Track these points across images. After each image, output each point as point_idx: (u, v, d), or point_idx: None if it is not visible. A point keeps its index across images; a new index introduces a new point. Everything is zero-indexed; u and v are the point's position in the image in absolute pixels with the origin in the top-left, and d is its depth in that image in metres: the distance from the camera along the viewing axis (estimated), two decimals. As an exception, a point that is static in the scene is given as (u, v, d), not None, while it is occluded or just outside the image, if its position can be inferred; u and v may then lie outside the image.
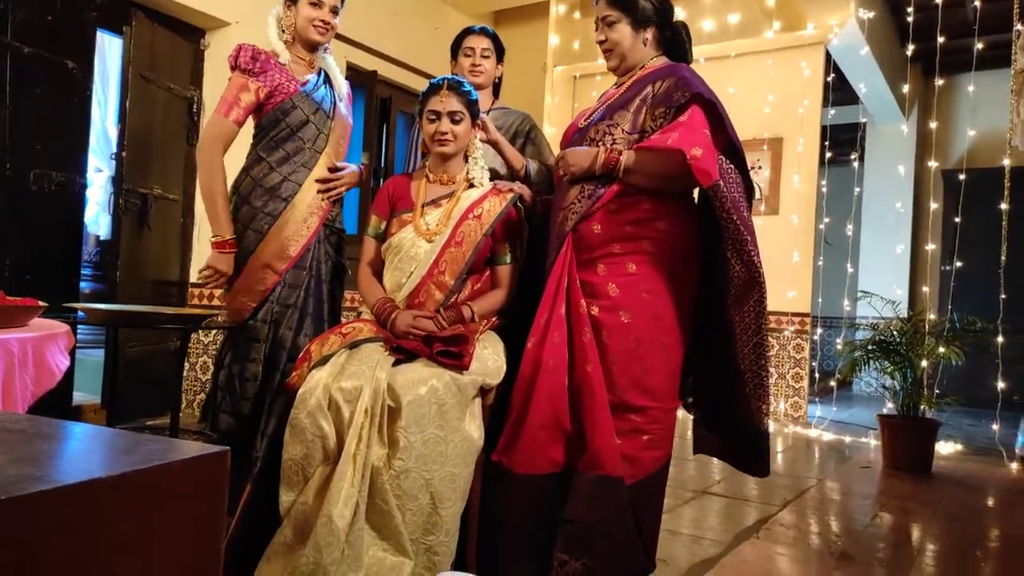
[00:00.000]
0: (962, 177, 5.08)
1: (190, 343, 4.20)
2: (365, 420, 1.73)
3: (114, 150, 4.44)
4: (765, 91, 5.57)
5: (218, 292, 4.02)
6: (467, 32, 2.55)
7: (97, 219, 5.52)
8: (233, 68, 2.19)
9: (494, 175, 2.25)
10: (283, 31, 2.28)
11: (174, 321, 2.20)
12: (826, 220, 6.01)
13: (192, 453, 0.68)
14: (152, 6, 3.93)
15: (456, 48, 2.55)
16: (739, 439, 2.03)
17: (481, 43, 2.50)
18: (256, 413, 2.14)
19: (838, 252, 6.22)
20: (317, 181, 2.23)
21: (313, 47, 2.29)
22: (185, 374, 4.26)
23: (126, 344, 3.75)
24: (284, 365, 2.14)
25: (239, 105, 2.17)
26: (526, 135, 2.51)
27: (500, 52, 2.56)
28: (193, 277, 4.24)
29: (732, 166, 1.91)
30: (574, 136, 2.08)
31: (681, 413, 2.13)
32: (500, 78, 2.61)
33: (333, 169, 2.27)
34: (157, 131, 4.01)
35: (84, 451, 0.80)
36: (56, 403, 3.36)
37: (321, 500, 1.71)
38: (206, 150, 2.17)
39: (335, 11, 2.27)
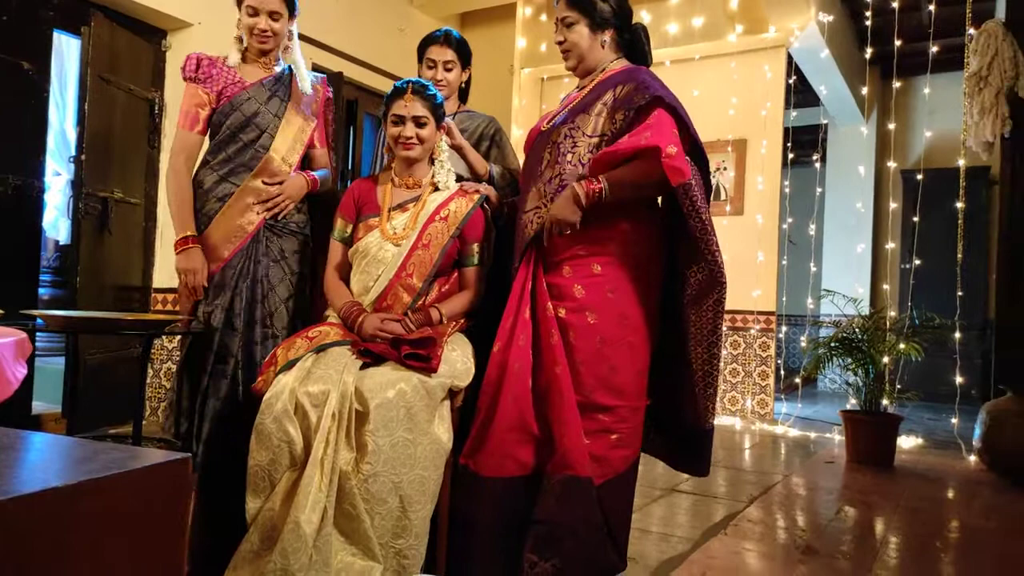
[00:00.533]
0: (920, 177, 5.21)
1: (154, 349, 4.12)
2: (333, 424, 1.71)
3: (73, 153, 4.35)
4: (729, 93, 5.65)
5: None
6: (430, 40, 2.45)
7: (56, 223, 5.40)
8: (184, 79, 2.20)
9: (458, 178, 2.25)
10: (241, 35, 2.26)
11: (135, 327, 2.16)
12: (789, 220, 6.11)
13: (152, 461, 0.67)
14: (112, 6, 3.85)
15: (420, 55, 2.48)
16: (683, 438, 2.06)
17: (444, 55, 2.41)
18: (192, 415, 2.11)
19: (802, 251, 6.33)
20: (257, 204, 2.17)
21: (261, 52, 2.26)
22: (149, 381, 4.19)
23: (87, 351, 3.67)
24: (211, 367, 2.11)
25: (198, 116, 2.19)
26: (491, 138, 2.48)
27: (465, 59, 2.47)
28: (156, 282, 4.16)
29: (696, 168, 1.94)
30: (537, 138, 2.09)
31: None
32: (468, 82, 2.55)
33: (271, 184, 2.19)
34: (117, 133, 3.93)
35: (41, 461, 0.78)
36: (15, 413, 3.28)
37: (288, 506, 1.69)
38: (171, 164, 2.20)
39: (274, 17, 2.19)
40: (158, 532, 0.69)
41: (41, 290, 4.41)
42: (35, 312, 2.22)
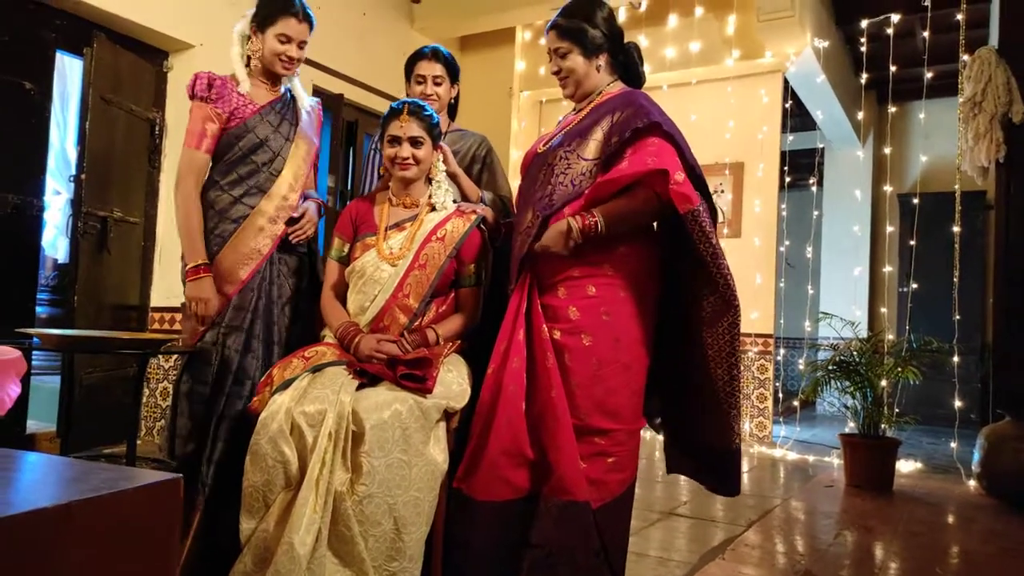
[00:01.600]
0: (916, 201, 5.24)
1: (150, 369, 4.11)
2: (329, 444, 1.71)
3: (73, 172, 4.36)
4: (726, 117, 5.69)
5: (179, 316, 3.95)
6: (418, 56, 2.46)
7: (55, 242, 5.41)
8: (191, 97, 2.18)
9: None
10: (248, 55, 2.26)
11: (131, 346, 2.15)
12: (787, 243, 6.14)
13: (143, 481, 0.67)
14: (114, 28, 3.89)
15: (408, 72, 2.48)
16: (710, 459, 2.04)
17: (433, 70, 2.42)
18: (202, 437, 2.10)
19: (799, 274, 6.35)
20: (289, 234, 2.22)
21: (276, 77, 2.29)
22: (145, 400, 4.17)
23: (83, 370, 3.66)
24: (229, 388, 2.09)
25: (206, 135, 2.16)
26: (483, 160, 2.46)
27: (454, 74, 2.48)
28: (154, 301, 4.16)
29: (698, 192, 1.94)
30: (533, 160, 2.10)
31: (649, 434, 2.13)
32: (456, 98, 2.54)
33: (292, 222, 2.25)
34: (118, 153, 3.95)
35: (32, 481, 0.78)
36: (9, 432, 3.26)
37: (282, 527, 1.68)
38: (180, 185, 2.16)
39: (302, 46, 2.25)
40: (149, 552, 0.69)
41: (39, 308, 4.41)
42: (31, 331, 2.22)
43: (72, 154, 5.32)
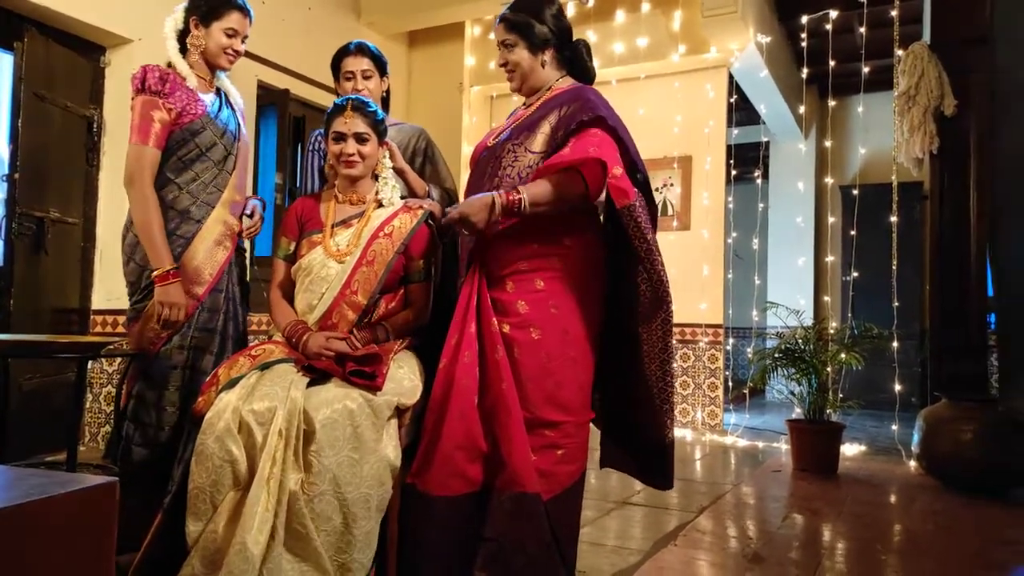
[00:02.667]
0: (856, 192, 5.39)
1: (93, 373, 3.99)
2: (279, 442, 1.68)
3: (6, 171, 4.20)
4: (673, 112, 5.78)
5: (121, 319, 3.84)
6: (344, 52, 2.42)
7: (-12, 245, 5.19)
8: (140, 91, 2.10)
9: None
10: (185, 48, 2.22)
11: (69, 350, 2.09)
12: (734, 235, 6.26)
13: (75, 486, 0.65)
14: (47, 22, 3.75)
15: (336, 70, 2.44)
16: (645, 452, 2.08)
17: (360, 64, 2.38)
18: (175, 442, 2.06)
19: (747, 265, 6.48)
20: (241, 233, 2.24)
21: (215, 70, 2.25)
22: (88, 405, 4.04)
23: (22, 376, 3.53)
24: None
25: (155, 129, 2.09)
26: (424, 153, 2.46)
27: (382, 68, 2.45)
28: (95, 304, 4.03)
29: (638, 191, 1.97)
30: (483, 154, 2.11)
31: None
32: (388, 92, 2.51)
33: (247, 215, 2.29)
34: (54, 151, 3.82)
35: (-41, 489, 0.75)
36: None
37: (232, 528, 1.65)
38: (135, 183, 2.07)
39: (244, 39, 2.25)
40: (83, 556, 0.67)
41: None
42: (-38, 336, 2.14)
43: (4, 152, 5.11)
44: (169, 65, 2.18)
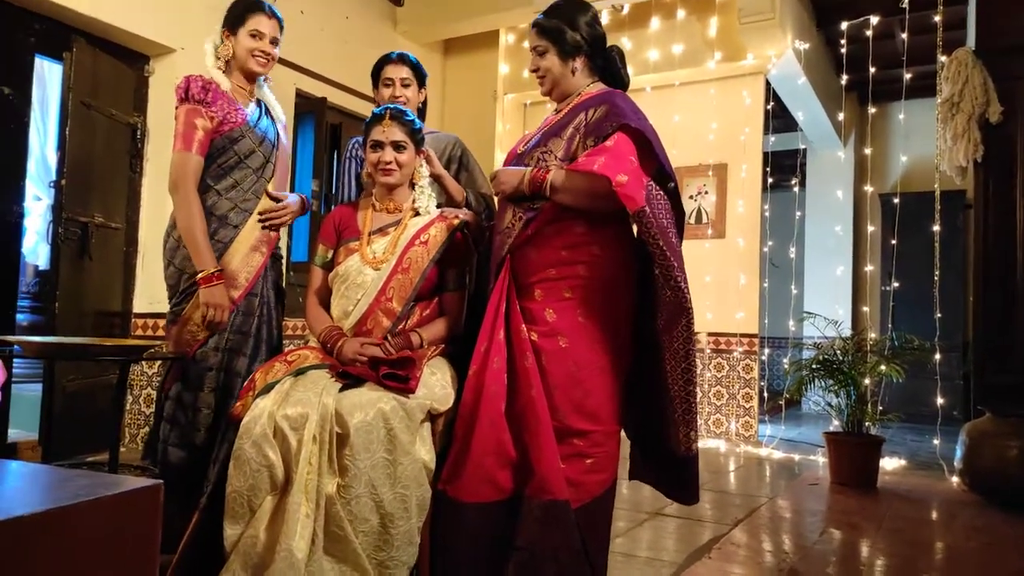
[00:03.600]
0: (896, 201, 5.29)
1: (134, 375, 4.07)
2: (314, 447, 1.70)
3: (53, 178, 4.32)
4: (709, 119, 5.73)
5: (162, 323, 3.92)
6: (385, 60, 2.48)
7: (36, 249, 5.35)
8: (183, 99, 2.16)
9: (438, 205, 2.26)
10: (219, 59, 2.27)
11: (112, 353, 2.14)
12: (770, 243, 6.18)
13: (122, 488, 0.66)
14: (94, 32, 3.86)
15: (376, 78, 2.50)
16: (668, 465, 2.05)
17: (400, 72, 2.44)
18: (211, 443, 2.10)
19: (783, 274, 6.39)
20: (260, 214, 2.23)
21: (253, 77, 2.30)
22: (128, 407, 4.13)
23: (65, 378, 3.62)
24: (237, 392, 2.10)
25: (197, 137, 2.14)
26: (459, 160, 2.49)
27: (421, 78, 2.50)
28: (136, 307, 4.12)
29: (661, 192, 1.94)
30: (513, 160, 2.11)
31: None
32: (424, 103, 2.56)
33: (276, 200, 2.27)
34: (99, 158, 3.92)
35: (11, 489, 0.77)
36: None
37: (272, 532, 1.68)
38: (180, 188, 2.13)
39: (275, 41, 2.29)
40: (129, 558, 0.68)
41: (20, 316, 4.36)
42: (11, 338, 2.20)
43: (52, 159, 5.26)
44: (211, 77, 2.24)
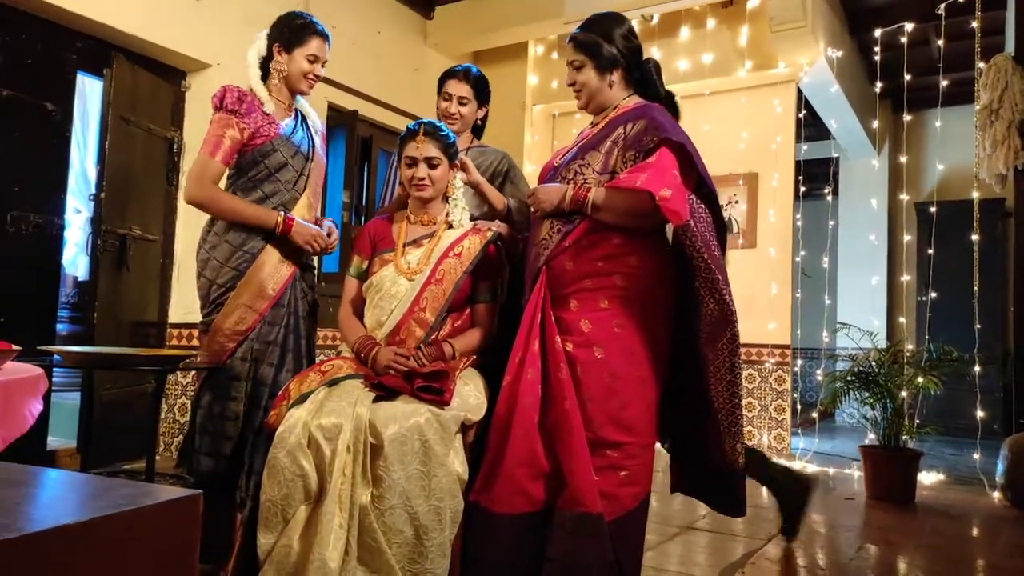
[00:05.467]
0: (933, 210, 5.19)
1: (168, 385, 4.14)
2: (348, 458, 1.71)
3: (93, 191, 4.42)
4: (739, 128, 5.68)
5: (196, 332, 3.98)
6: (450, 75, 2.50)
7: (75, 260, 5.48)
8: (218, 108, 2.18)
9: (472, 218, 2.27)
10: (266, 73, 2.28)
11: (150, 363, 2.18)
12: (802, 253, 6.10)
13: (163, 497, 0.67)
14: (133, 49, 3.96)
15: (440, 86, 2.52)
16: (713, 478, 2.03)
17: (460, 90, 2.45)
18: (238, 453, 2.12)
19: (816, 284, 6.31)
20: (317, 251, 2.26)
21: (296, 93, 2.32)
22: (163, 416, 4.20)
23: (102, 387, 3.69)
24: (266, 402, 2.12)
25: (224, 146, 2.16)
26: (505, 174, 2.50)
27: (482, 96, 2.51)
28: (172, 318, 4.19)
29: (703, 205, 1.94)
30: (548, 174, 2.12)
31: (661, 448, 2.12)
32: (484, 119, 2.58)
33: (317, 223, 2.31)
34: (137, 172, 4.01)
35: (53, 498, 0.78)
36: (30, 448, 3.29)
37: (306, 542, 1.69)
38: (202, 188, 2.14)
39: (324, 64, 2.31)
40: (169, 568, 0.69)
41: (59, 326, 4.46)
42: (51, 348, 2.25)
43: (92, 173, 5.39)
44: (249, 89, 2.26)
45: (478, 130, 2.60)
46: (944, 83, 5.14)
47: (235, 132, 2.17)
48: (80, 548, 0.62)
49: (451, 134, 2.15)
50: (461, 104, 2.45)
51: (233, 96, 2.18)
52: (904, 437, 4.02)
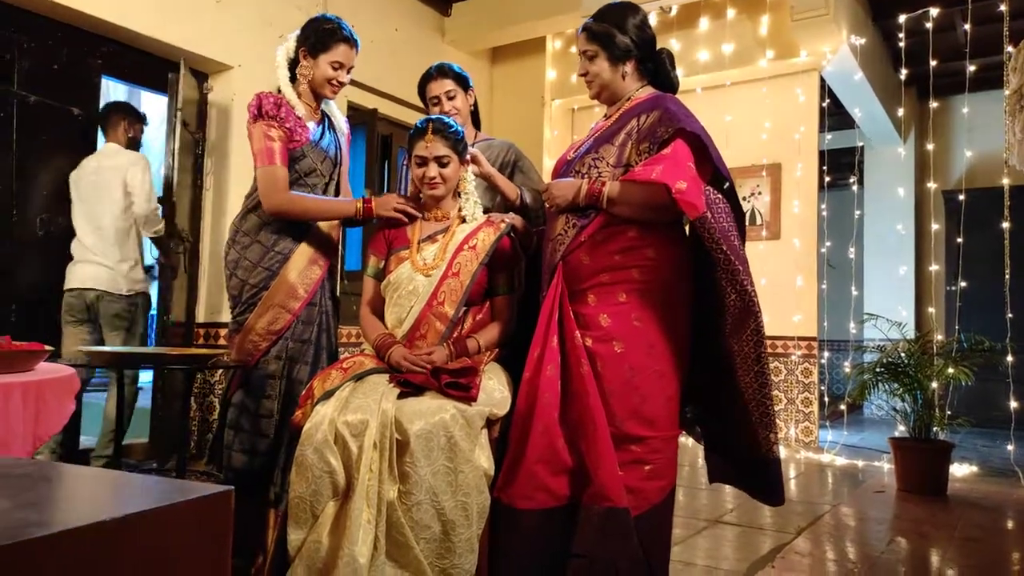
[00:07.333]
0: (962, 197, 5.10)
1: (196, 383, 4.19)
2: (375, 454, 1.72)
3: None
4: (762, 118, 5.62)
5: (223, 332, 4.03)
6: (426, 79, 2.47)
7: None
8: (256, 116, 2.17)
9: (485, 210, 2.27)
10: (294, 77, 2.28)
11: (179, 362, 2.20)
12: (828, 244, 6.03)
13: (196, 493, 0.68)
14: (154, 52, 4.00)
15: (423, 97, 2.50)
16: (749, 468, 2.01)
17: (443, 87, 2.43)
18: (273, 449, 2.15)
19: (842, 275, 6.22)
20: (404, 220, 2.23)
21: (321, 98, 2.33)
22: (191, 415, 4.25)
23: (129, 386, 3.74)
24: (299, 399, 2.15)
25: (277, 150, 2.16)
26: (513, 164, 2.48)
27: (464, 84, 2.47)
28: (199, 318, 4.24)
29: (720, 196, 1.91)
30: (563, 168, 2.10)
31: (689, 441, 2.11)
32: (475, 106, 2.54)
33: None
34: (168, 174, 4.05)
35: (89, 494, 0.80)
36: (62, 447, 3.35)
37: (335, 538, 1.70)
38: (279, 195, 2.14)
39: (350, 71, 2.30)
40: (203, 565, 0.70)
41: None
42: (82, 349, 2.29)
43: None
44: (278, 90, 2.26)
45: (475, 119, 2.56)
46: (971, 68, 5.04)
47: (280, 133, 2.18)
48: (116, 543, 0.62)
49: (460, 129, 2.14)
50: (450, 99, 2.43)
51: (270, 102, 2.18)
52: (935, 429, 3.96)
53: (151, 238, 3.79)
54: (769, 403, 1.89)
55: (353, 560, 1.64)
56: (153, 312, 4.07)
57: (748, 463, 2.00)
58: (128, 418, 3.38)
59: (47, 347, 1.87)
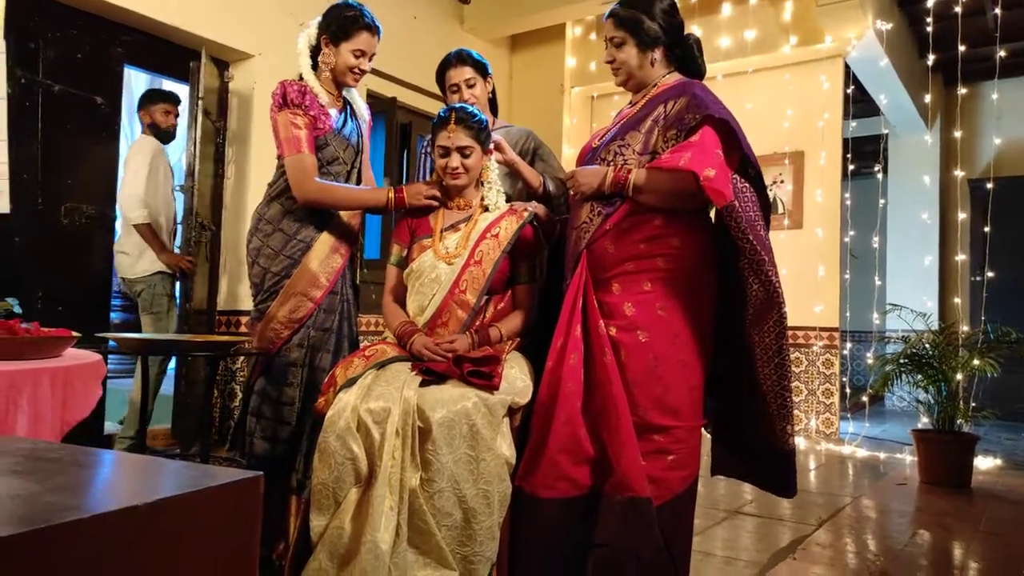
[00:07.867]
0: (990, 186, 5.01)
1: (218, 370, 4.23)
2: (397, 441, 1.73)
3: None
4: (784, 106, 5.55)
5: (244, 319, 4.06)
6: (445, 67, 2.45)
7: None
8: (282, 105, 2.16)
9: (507, 199, 2.26)
10: (315, 64, 2.27)
11: (203, 349, 2.22)
12: (851, 233, 5.94)
13: (225, 479, 0.68)
14: (178, 41, 4.02)
15: (441, 85, 2.48)
16: (764, 460, 1.99)
17: (462, 75, 2.40)
18: (295, 437, 2.16)
19: (865, 265, 6.14)
20: (435, 204, 2.22)
21: (342, 86, 2.32)
22: (213, 401, 4.30)
23: (153, 373, 3.79)
24: (322, 387, 2.16)
25: (304, 137, 2.15)
26: (533, 152, 2.46)
27: (483, 71, 2.45)
28: (220, 305, 4.28)
29: (747, 184, 1.89)
30: (588, 155, 2.08)
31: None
32: (493, 92, 2.52)
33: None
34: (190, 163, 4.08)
35: (118, 479, 0.80)
36: (88, 432, 3.40)
37: (358, 524, 1.71)
38: (310, 184, 2.13)
39: (372, 58, 2.29)
40: (231, 550, 0.70)
41: (112, 314, 4.59)
42: (108, 335, 2.31)
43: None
44: (300, 78, 2.25)
45: (493, 106, 2.54)
46: (1001, 54, 4.94)
47: (306, 120, 2.17)
48: (147, 528, 0.63)
49: (483, 118, 2.12)
50: (469, 87, 2.41)
51: (295, 90, 2.17)
52: (959, 421, 3.91)
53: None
54: (788, 395, 1.87)
55: (375, 546, 1.65)
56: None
57: (764, 455, 1.98)
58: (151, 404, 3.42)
59: (74, 333, 1.89)
